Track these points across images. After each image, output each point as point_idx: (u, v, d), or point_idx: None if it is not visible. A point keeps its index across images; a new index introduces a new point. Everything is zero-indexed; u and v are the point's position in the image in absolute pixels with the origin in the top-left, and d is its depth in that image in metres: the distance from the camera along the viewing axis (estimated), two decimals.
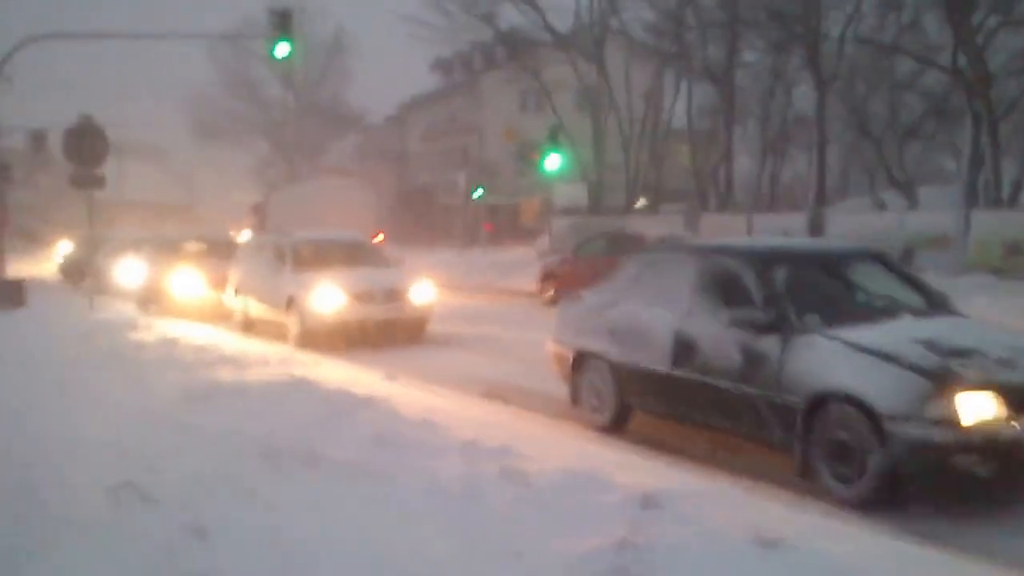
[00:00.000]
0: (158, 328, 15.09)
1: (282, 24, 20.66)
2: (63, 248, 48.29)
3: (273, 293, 15.36)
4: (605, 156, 35.70)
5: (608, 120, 35.73)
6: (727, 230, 30.01)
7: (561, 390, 9.42)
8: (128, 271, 22.32)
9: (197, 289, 18.64)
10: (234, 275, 17.16)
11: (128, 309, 19.31)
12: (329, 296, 14.25)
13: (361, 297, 14.38)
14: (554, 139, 29.95)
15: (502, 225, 51.55)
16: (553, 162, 30.01)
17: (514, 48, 38.43)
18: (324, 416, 7.71)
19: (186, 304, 18.62)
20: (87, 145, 18.40)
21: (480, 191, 44.96)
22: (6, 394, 9.63)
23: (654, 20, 34.95)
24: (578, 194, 37.94)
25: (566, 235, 36.80)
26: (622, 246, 19.60)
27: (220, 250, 20.48)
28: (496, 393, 10.29)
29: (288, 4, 23.59)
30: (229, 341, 14.06)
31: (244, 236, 37.92)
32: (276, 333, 15.40)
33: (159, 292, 19.42)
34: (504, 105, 52.70)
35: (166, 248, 20.57)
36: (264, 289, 15.80)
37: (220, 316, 18.21)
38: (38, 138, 27.01)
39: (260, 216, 48.91)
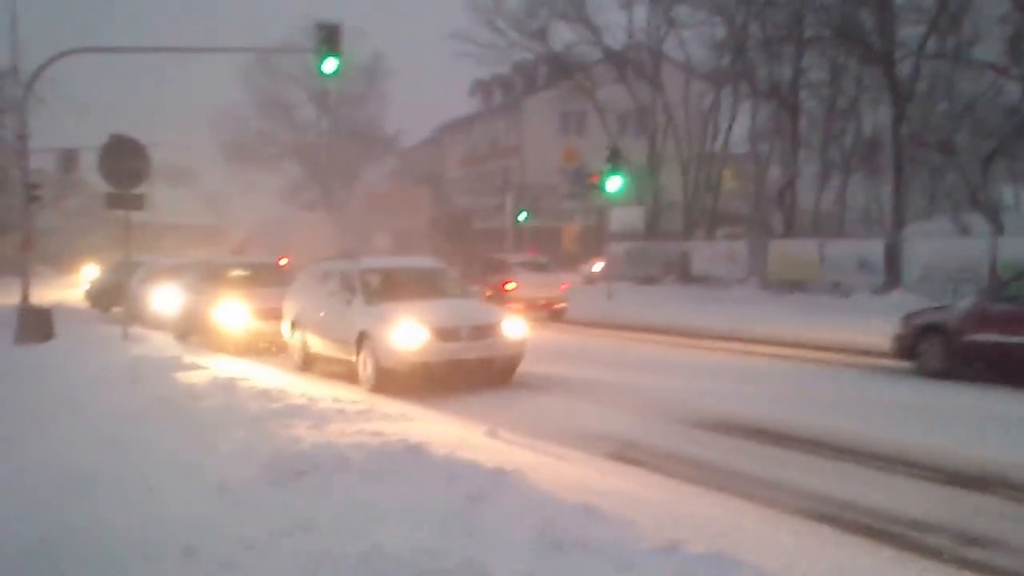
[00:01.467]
0: (206, 367, 13.37)
1: (330, 39, 19.24)
2: (90, 273, 47.18)
3: (340, 328, 13.36)
4: (659, 179, 34.03)
5: (664, 142, 34.08)
6: (795, 257, 28.20)
7: (709, 451, 7.60)
8: (164, 299, 20.69)
9: (242, 320, 16.88)
10: (291, 306, 15.27)
11: (165, 342, 17.63)
12: (409, 332, 12.17)
13: (446, 333, 12.31)
14: (614, 160, 28.33)
15: (544, 250, 49.52)
16: (614, 184, 28.33)
17: (563, 68, 36.88)
18: (460, 505, 5.89)
19: (231, 337, 16.88)
20: (125, 163, 16.79)
21: (524, 215, 43.32)
22: (55, 452, 7.92)
23: (714, 37, 33.35)
24: (631, 218, 36.18)
25: (622, 260, 35.12)
26: None
27: (265, 277, 18.82)
28: (628, 455, 8.51)
29: (335, 19, 22.15)
30: (290, 384, 12.27)
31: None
32: (339, 372, 13.64)
33: (200, 323, 17.73)
34: (545, 128, 51.30)
35: (206, 275, 18.84)
36: (328, 323, 13.83)
37: (268, 351, 16.54)
38: (69, 158, 25.45)
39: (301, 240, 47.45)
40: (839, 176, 34.44)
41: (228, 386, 11.39)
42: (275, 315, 16.67)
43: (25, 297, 24.77)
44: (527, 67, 55.00)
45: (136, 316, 23.38)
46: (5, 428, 9.12)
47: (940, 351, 12.90)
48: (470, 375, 12.54)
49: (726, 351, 16.67)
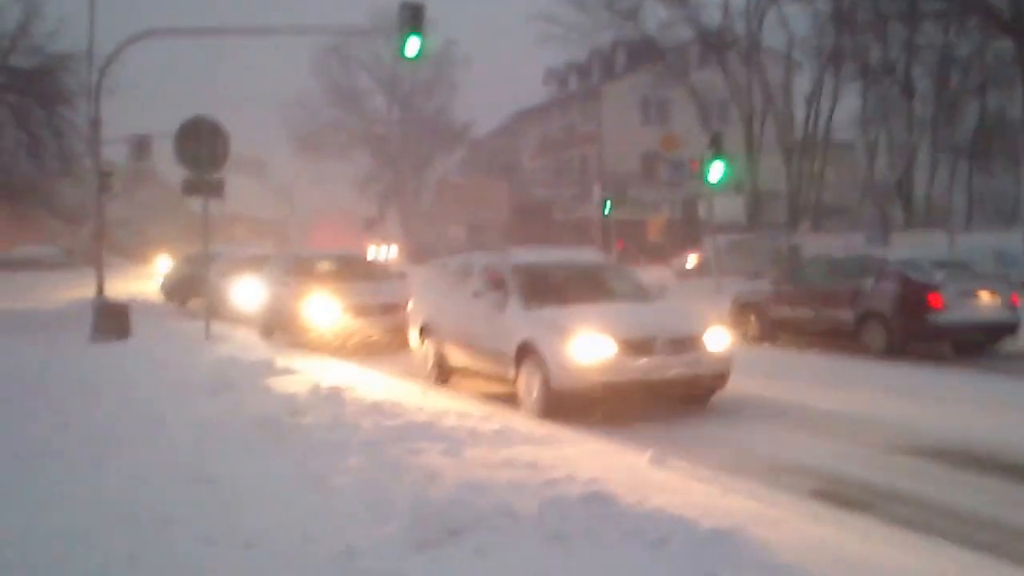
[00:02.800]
0: (303, 371, 11.89)
1: (414, 19, 17.72)
2: (163, 265, 46.41)
3: (490, 337, 10.97)
4: (759, 168, 32.04)
5: (761, 128, 32.08)
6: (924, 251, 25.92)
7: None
8: (246, 293, 19.35)
9: (335, 318, 15.42)
10: (420, 309, 13.11)
11: (250, 340, 16.24)
12: (591, 345, 9.59)
13: (638, 347, 9.70)
14: (717, 147, 26.42)
15: (630, 243, 47.64)
16: (716, 172, 26.41)
17: (654, 51, 34.99)
18: None
19: (323, 336, 15.43)
20: (204, 146, 15.42)
21: (608, 205, 41.45)
22: (128, 489, 6.45)
23: (819, 12, 31.19)
24: (731, 209, 34.16)
25: (722, 253, 33.19)
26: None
27: (357, 270, 17.44)
28: (840, 494, 6.81)
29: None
30: (401, 393, 10.68)
31: (372, 253, 35.29)
32: (480, 386, 11.60)
33: (287, 320, 16.31)
34: (625, 116, 49.48)
35: (292, 267, 17.42)
36: (474, 331, 11.45)
37: (365, 351, 15.07)
38: (142, 144, 24.20)
39: (375, 230, 46.21)
40: (949, 163, 32.11)
41: (332, 397, 9.85)
42: (371, 312, 15.27)
43: (100, 290, 23.81)
44: (605, 53, 53.17)
45: (215, 311, 22.17)
46: (72, 454, 7.66)
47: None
48: (663, 398, 10.22)
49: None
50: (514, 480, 6.38)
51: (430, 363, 12.41)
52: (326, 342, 15.33)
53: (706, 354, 10.05)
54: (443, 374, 12.21)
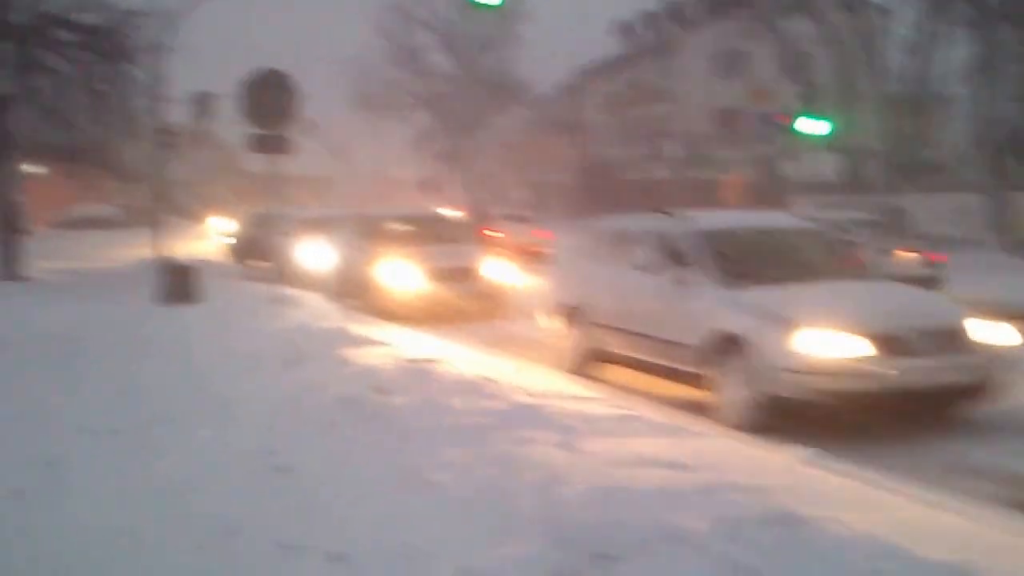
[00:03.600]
0: (381, 342, 11.07)
1: None
2: (220, 225, 46.06)
3: (667, 325, 8.81)
4: (854, 123, 30.42)
5: (857, 79, 30.46)
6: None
7: None
8: (314, 255, 18.65)
9: (413, 282, 14.62)
10: (560, 283, 11.27)
11: (321, 306, 15.49)
12: (830, 341, 7.41)
13: (894, 342, 7.45)
14: (809, 101, 25.19)
15: (701, 204, 46.30)
16: (809, 126, 25.12)
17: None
18: None
19: (399, 302, 14.62)
20: (271, 100, 14.64)
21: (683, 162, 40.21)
22: (202, 486, 5.68)
23: None
24: (821, 168, 32.67)
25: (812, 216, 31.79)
26: None
27: (434, 232, 16.59)
28: None
29: None
30: (490, 367, 9.79)
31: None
32: (645, 384, 9.48)
33: (359, 285, 15.54)
34: (699, 70, 47.92)
35: (365, 228, 16.62)
36: (640, 315, 9.36)
37: (443, 319, 14.22)
38: (204, 103, 23.43)
39: (432, 192, 45.44)
40: None
41: (419, 373, 9.02)
42: (451, 276, 14.44)
43: (162, 251, 23.30)
44: (677, 3, 51.57)
45: (281, 273, 21.55)
46: (127, 434, 6.96)
47: None
48: (919, 411, 7.84)
49: None
50: (661, 485, 5.46)
51: (574, 350, 10.44)
52: (400, 309, 14.50)
53: (974, 352, 7.73)
54: (591, 366, 10.20)
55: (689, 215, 9.73)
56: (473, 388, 8.43)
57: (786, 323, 7.60)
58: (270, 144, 14.70)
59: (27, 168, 33.45)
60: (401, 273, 14.55)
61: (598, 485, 5.45)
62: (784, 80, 32.38)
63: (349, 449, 6.53)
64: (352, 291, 15.91)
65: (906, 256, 16.35)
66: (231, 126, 29.57)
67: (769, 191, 40.61)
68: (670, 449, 6.44)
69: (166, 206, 25.14)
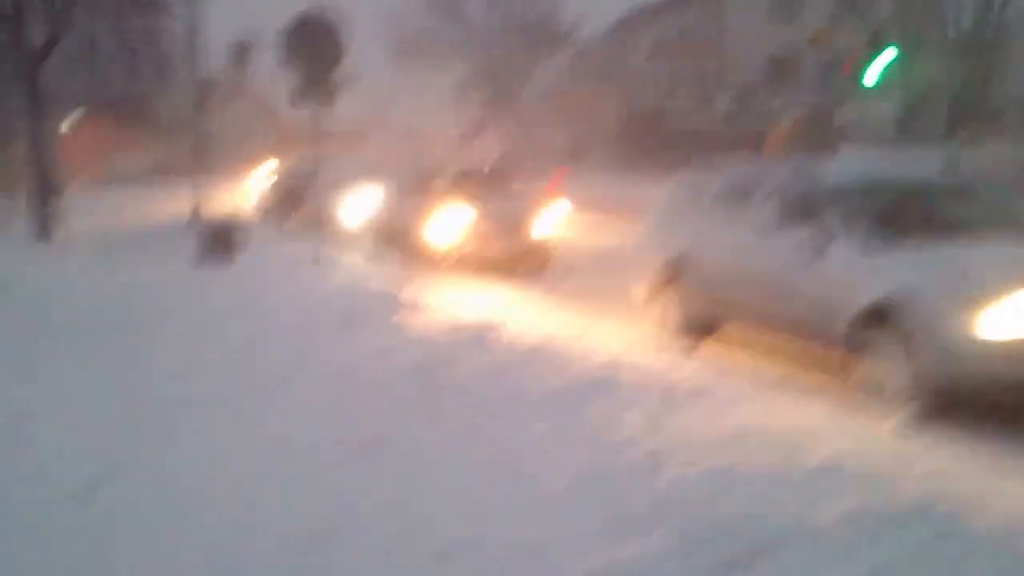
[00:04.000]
0: (434, 305, 10.46)
1: None
2: (255, 179, 45.49)
3: (800, 295, 7.49)
4: (918, 69, 29.13)
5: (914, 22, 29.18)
6: None
7: None
8: (358, 210, 18.06)
9: (464, 239, 14.01)
10: (659, 241, 9.83)
11: (365, 266, 14.95)
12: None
13: None
14: (877, 44, 24.03)
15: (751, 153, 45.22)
16: (875, 73, 23.99)
17: None
18: None
19: (449, 260, 14.03)
20: (317, 46, 13.95)
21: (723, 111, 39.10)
22: (275, 472, 5.20)
23: None
24: (878, 116, 31.49)
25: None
26: None
27: (483, 183, 15.93)
28: None
29: None
30: (550, 330, 9.20)
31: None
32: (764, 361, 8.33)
33: (407, 241, 14.97)
34: (748, 16, 46.45)
35: (411, 181, 16.02)
36: (762, 280, 8.04)
37: (495, 274, 13.69)
38: (241, 52, 22.66)
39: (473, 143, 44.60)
40: None
41: (480, 340, 8.40)
42: (502, 230, 13.85)
43: (198, 208, 22.86)
44: None
45: (322, 228, 21.02)
46: (182, 415, 6.47)
47: None
48: None
49: None
50: (772, 469, 4.83)
51: (674, 320, 9.22)
52: (450, 265, 13.92)
53: None
54: (695, 338, 9.01)
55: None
56: (539, 356, 7.84)
57: (965, 293, 6.26)
58: (315, 93, 14.04)
59: (60, 125, 33.28)
60: (450, 227, 13.92)
61: (706, 468, 4.84)
62: (845, 23, 31.13)
63: (426, 424, 6.01)
64: (399, 246, 15.37)
65: None
66: (268, 77, 29.28)
67: (816, 140, 39.47)
68: (765, 423, 5.81)
69: (204, 161, 24.66)
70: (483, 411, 6.20)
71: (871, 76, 23.93)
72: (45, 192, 19.60)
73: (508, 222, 14.34)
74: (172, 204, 33.59)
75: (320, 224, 20.71)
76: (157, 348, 8.60)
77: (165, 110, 25.49)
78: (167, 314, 10.13)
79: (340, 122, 67.66)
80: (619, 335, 9.50)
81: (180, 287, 12.12)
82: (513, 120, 58.82)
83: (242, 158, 51.39)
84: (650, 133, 48.73)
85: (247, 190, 42.10)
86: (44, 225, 19.42)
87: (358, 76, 68.89)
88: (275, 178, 29.86)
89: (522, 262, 13.98)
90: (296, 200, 23.52)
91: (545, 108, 58.83)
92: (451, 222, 14.04)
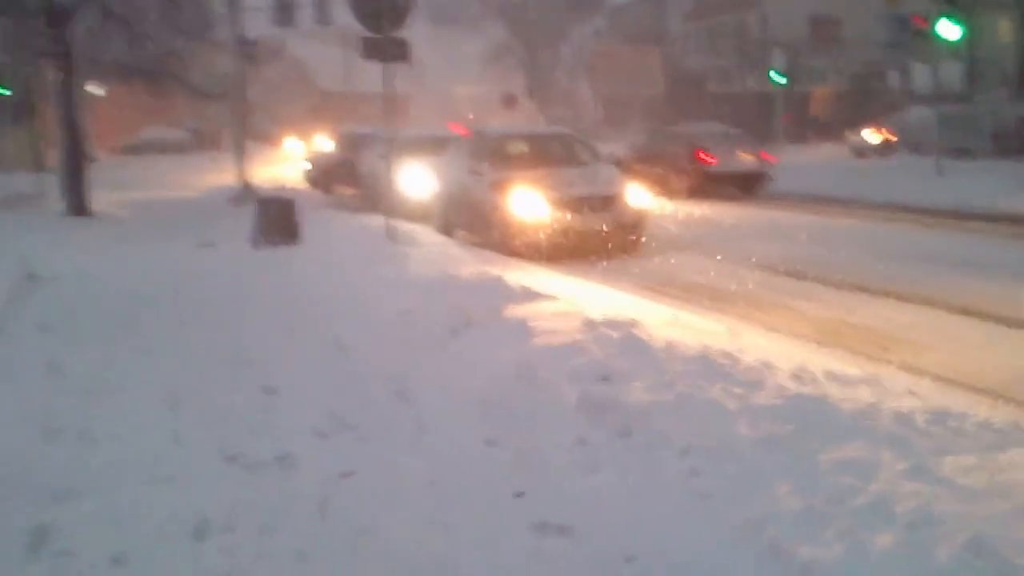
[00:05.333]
0: (549, 294, 8.68)
1: None
2: (297, 147, 43.75)
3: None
4: (982, 27, 27.09)
5: None
6: None
7: None
8: (417, 181, 16.22)
9: (544, 213, 12.19)
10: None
11: (440, 241, 13.18)
12: None
13: None
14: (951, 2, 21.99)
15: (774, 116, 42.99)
16: (951, 30, 21.94)
17: None
18: None
19: (530, 237, 12.21)
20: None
21: (783, 77, 36.86)
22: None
23: None
24: (941, 76, 29.39)
25: (919, 128, 28.74)
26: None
27: (561, 153, 14.18)
28: None
29: None
30: (711, 334, 7.39)
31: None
32: None
33: (481, 217, 13.17)
34: None
35: (480, 150, 14.19)
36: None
37: (585, 254, 11.92)
38: (285, 7, 20.53)
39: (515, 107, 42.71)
40: None
41: (631, 346, 6.60)
42: (591, 204, 12.10)
43: (245, 180, 21.12)
44: None
45: (374, 201, 19.23)
46: (265, 455, 4.77)
47: None
48: None
49: None
50: None
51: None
52: (532, 244, 12.10)
53: None
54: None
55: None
56: (717, 368, 6.08)
57: None
58: (385, 49, 12.20)
59: (90, 88, 31.42)
60: (532, 201, 12.14)
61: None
62: None
63: (626, 493, 4.25)
64: (469, 223, 13.59)
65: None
66: (310, 39, 27.47)
67: (861, 102, 37.38)
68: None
69: (245, 128, 23.06)
70: (694, 468, 4.43)
71: (951, 31, 21.83)
72: (79, 163, 17.78)
73: (599, 195, 12.55)
74: (210, 173, 31.93)
75: (376, 196, 18.97)
76: (241, 371, 6.86)
77: (203, 73, 23.59)
78: (239, 314, 8.39)
79: (373, 84, 65.77)
80: (777, 335, 7.72)
81: (245, 273, 10.38)
82: (550, 86, 56.71)
83: (283, 125, 49.58)
84: (692, 96, 46.61)
85: (285, 157, 40.40)
86: (79, 199, 17.61)
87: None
88: (323, 146, 28.08)
89: (615, 237, 12.19)
90: (347, 170, 21.69)
91: (583, 72, 56.72)
92: (534, 194, 12.21)
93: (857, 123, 35.91)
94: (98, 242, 13.66)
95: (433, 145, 17.77)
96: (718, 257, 12.08)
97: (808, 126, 42.63)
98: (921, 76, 30.81)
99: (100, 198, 18.91)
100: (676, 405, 5.37)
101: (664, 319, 7.83)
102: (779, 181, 22.46)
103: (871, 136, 33.48)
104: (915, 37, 23.15)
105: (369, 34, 12.32)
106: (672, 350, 6.53)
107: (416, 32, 52.29)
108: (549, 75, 58.16)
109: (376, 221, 15.50)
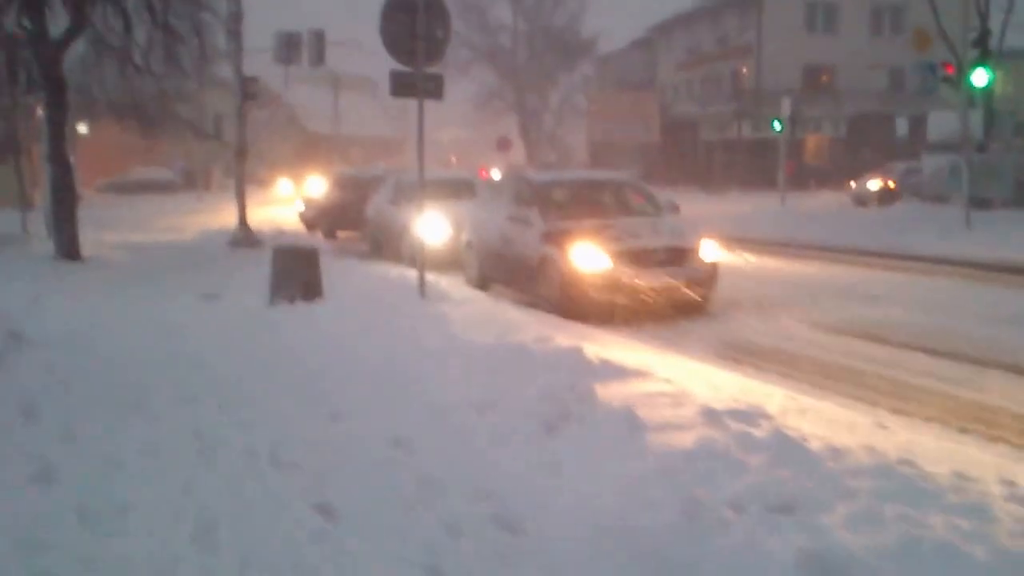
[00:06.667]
0: (640, 371, 7.14)
1: None
2: (290, 189, 42.14)
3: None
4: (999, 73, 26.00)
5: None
6: None
7: None
8: (440, 228, 14.69)
9: (604, 268, 10.58)
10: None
11: (480, 298, 11.62)
12: None
13: None
14: (983, 46, 20.92)
15: (771, 164, 41.94)
16: (982, 77, 20.82)
17: None
18: None
19: (592, 294, 10.60)
20: (420, 27, 10.60)
21: (778, 124, 35.79)
22: None
23: None
24: (944, 126, 28.39)
25: (934, 177, 27.62)
26: None
27: (615, 201, 12.60)
28: None
29: None
30: (846, 425, 5.87)
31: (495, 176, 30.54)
32: None
33: (525, 269, 11.62)
34: (787, 24, 43.39)
35: (526, 195, 12.49)
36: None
37: (654, 317, 10.38)
38: (290, 44, 19.00)
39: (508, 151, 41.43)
40: None
41: (785, 449, 5.10)
42: (660, 261, 10.54)
43: (243, 220, 19.63)
44: None
45: (380, 247, 17.78)
46: None
47: None
48: None
49: None
50: None
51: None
52: (590, 304, 10.52)
53: None
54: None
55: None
56: (910, 485, 4.63)
57: None
58: (420, 86, 10.67)
59: (82, 125, 29.78)
60: (593, 255, 10.47)
61: None
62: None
63: None
64: (510, 277, 12.04)
65: None
66: (299, 82, 26.20)
67: (856, 150, 36.40)
68: None
69: (226, 170, 21.54)
70: None
71: (980, 78, 20.71)
72: (69, 203, 16.10)
73: (671, 245, 10.95)
74: (200, 215, 30.31)
75: (385, 242, 17.48)
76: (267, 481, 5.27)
77: (196, 112, 22.05)
78: (265, 393, 6.77)
79: (362, 127, 64.53)
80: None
81: (262, 337, 8.74)
82: (539, 130, 55.59)
83: (269, 166, 48.03)
84: (682, 145, 45.48)
85: (281, 199, 38.72)
86: (69, 242, 15.91)
87: (375, 83, 65.55)
88: (317, 187, 26.59)
89: (686, 296, 10.64)
90: (350, 213, 20.23)
91: (571, 117, 55.72)
92: (598, 246, 10.57)
93: (854, 171, 34.94)
94: (91, 293, 11.99)
95: (449, 188, 16.35)
96: (791, 319, 10.60)
97: (807, 174, 41.63)
98: (936, 124, 29.75)
99: (90, 239, 17.21)
100: (902, 554, 3.85)
101: (786, 405, 6.33)
102: (799, 229, 21.12)
103: (873, 184, 32.46)
104: (944, 84, 21.99)
105: (400, 68, 10.77)
106: (839, 457, 5.04)
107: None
108: (538, 119, 57.11)
109: (394, 271, 14.05)
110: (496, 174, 35.71)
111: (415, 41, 10.46)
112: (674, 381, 6.78)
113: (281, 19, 22.28)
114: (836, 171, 39.90)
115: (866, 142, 39.51)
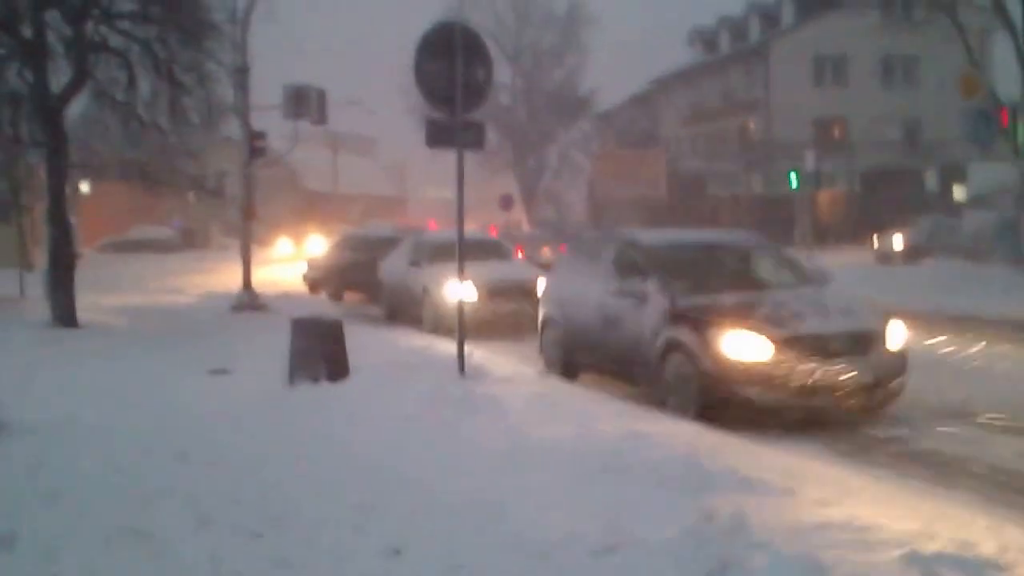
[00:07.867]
0: (781, 487, 5.57)
1: None
2: (290, 249, 40.81)
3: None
4: None
5: None
6: None
7: None
8: (465, 292, 13.14)
9: (770, 359, 7.88)
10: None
11: (526, 375, 10.06)
12: None
13: None
14: None
15: (784, 220, 40.16)
16: None
17: None
18: None
19: (743, 392, 7.88)
20: (460, 70, 9.23)
21: (795, 179, 34.50)
22: None
23: None
24: (998, 179, 27.05)
25: (973, 235, 26.20)
26: None
27: (758, 270, 9.87)
28: None
29: None
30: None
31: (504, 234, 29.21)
32: None
33: (642, 359, 9.36)
34: (794, 77, 42.49)
35: (625, 262, 9.72)
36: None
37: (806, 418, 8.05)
38: (299, 98, 17.65)
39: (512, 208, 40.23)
40: None
41: None
42: (836, 350, 8.06)
43: (248, 283, 18.35)
44: (768, 5, 46.40)
45: (394, 311, 16.40)
46: None
47: None
48: None
49: None
50: None
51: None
52: (741, 406, 7.94)
53: None
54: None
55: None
56: None
57: None
58: (459, 135, 9.26)
59: (82, 183, 28.49)
60: (749, 343, 7.94)
61: None
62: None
63: None
64: (616, 367, 9.59)
65: None
66: (283, 139, 25.18)
67: (870, 206, 35.26)
68: None
69: (224, 229, 20.24)
70: None
71: None
72: (68, 265, 14.66)
73: (850, 330, 8.38)
74: (200, 276, 28.90)
75: (403, 306, 16.08)
76: None
77: (199, 169, 20.74)
78: (297, 508, 5.29)
79: (363, 186, 63.45)
80: None
81: (285, 428, 7.25)
82: (537, 187, 54.51)
83: (268, 225, 46.66)
84: (688, 201, 44.25)
85: (282, 259, 37.33)
86: (66, 307, 14.43)
87: (374, 141, 64.47)
88: (319, 247, 25.26)
89: (865, 395, 8.08)
90: (359, 273, 18.89)
91: (569, 174, 54.73)
92: (752, 332, 8.01)
93: (870, 227, 33.65)
94: (88, 368, 10.47)
95: (478, 249, 14.86)
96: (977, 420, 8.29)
97: (822, 230, 40.29)
98: (977, 176, 28.36)
99: (88, 302, 15.76)
100: None
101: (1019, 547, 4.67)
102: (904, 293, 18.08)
103: (896, 241, 31.03)
104: (995, 135, 20.64)
105: (436, 117, 9.41)
106: None
107: (402, 133, 49.67)
108: (537, 177, 56.11)
109: (418, 341, 12.63)
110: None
111: (453, 86, 9.06)
112: (850, 511, 5.14)
113: (281, 78, 21.22)
114: (852, 227, 38.65)
115: (882, 197, 38.29)
